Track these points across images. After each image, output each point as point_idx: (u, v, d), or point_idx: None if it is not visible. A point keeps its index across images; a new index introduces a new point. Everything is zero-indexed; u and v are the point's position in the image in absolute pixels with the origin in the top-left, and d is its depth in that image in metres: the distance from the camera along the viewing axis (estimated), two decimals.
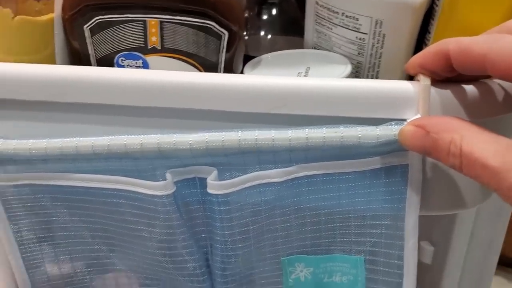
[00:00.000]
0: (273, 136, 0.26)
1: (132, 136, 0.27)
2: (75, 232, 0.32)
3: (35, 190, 0.30)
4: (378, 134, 0.25)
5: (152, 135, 0.27)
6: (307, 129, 0.26)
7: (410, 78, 0.27)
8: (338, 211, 0.29)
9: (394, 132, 0.25)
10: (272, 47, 0.33)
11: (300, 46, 0.33)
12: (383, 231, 0.29)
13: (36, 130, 0.29)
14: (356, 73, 0.30)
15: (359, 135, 0.25)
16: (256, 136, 0.26)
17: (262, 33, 0.35)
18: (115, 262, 0.33)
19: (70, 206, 0.31)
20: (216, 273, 0.32)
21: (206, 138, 0.27)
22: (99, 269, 0.34)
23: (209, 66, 0.28)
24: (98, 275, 0.35)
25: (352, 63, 0.30)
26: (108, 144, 0.27)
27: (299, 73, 0.30)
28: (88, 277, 0.34)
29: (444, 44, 0.23)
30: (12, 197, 0.31)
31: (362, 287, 0.31)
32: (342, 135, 0.26)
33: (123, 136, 0.27)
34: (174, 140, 0.27)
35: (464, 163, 0.22)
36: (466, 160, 0.22)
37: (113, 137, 0.27)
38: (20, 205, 0.31)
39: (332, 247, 0.31)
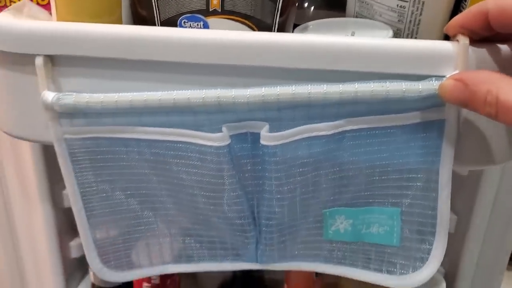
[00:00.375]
0: (325, 90, 0.29)
1: (195, 90, 0.30)
2: (134, 184, 0.35)
3: (100, 144, 0.33)
4: (420, 88, 0.28)
5: (213, 90, 0.30)
6: (356, 84, 0.29)
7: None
8: (379, 164, 0.32)
9: (435, 87, 0.28)
10: (314, 18, 0.35)
11: (342, 17, 0.36)
12: (419, 184, 0.32)
13: (104, 87, 0.32)
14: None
15: (404, 89, 0.28)
16: (309, 90, 0.29)
17: (306, 4, 0.37)
18: (169, 214, 0.36)
19: (131, 159, 0.34)
20: (262, 222, 0.34)
21: (263, 92, 0.29)
22: (152, 223, 0.37)
23: (264, 28, 0.31)
24: (149, 230, 0.37)
25: (392, 30, 0.32)
26: (174, 98, 0.30)
27: (346, 36, 0.32)
28: (141, 228, 0.37)
29: (484, 5, 0.26)
30: (78, 150, 0.33)
31: (397, 237, 0.34)
32: (388, 89, 0.28)
33: (187, 91, 0.30)
34: (233, 94, 0.29)
35: (500, 111, 0.25)
36: (501, 108, 0.25)
37: (178, 91, 0.30)
38: (86, 157, 0.34)
39: (370, 200, 0.33)
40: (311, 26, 0.34)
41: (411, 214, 0.33)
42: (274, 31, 0.31)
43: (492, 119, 0.26)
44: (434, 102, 0.29)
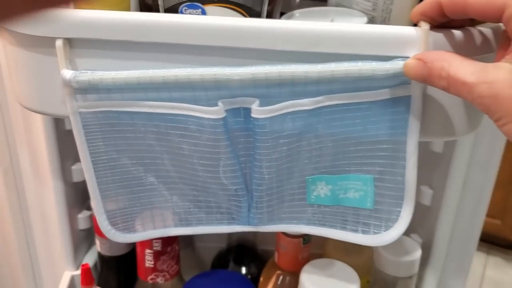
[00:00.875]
0: (306, 69, 0.33)
1: (194, 68, 0.35)
2: (139, 154, 0.40)
3: (110, 117, 0.38)
4: (388, 67, 0.33)
5: (210, 68, 0.34)
6: (333, 64, 0.33)
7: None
8: (353, 136, 0.37)
9: (400, 66, 0.33)
10: (300, 7, 0.40)
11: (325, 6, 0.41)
12: (389, 153, 0.37)
13: (115, 66, 0.36)
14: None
15: (373, 68, 0.33)
16: (292, 69, 0.33)
17: None
18: (171, 181, 0.41)
19: (137, 130, 0.38)
20: (253, 188, 0.39)
21: (253, 71, 0.34)
22: (156, 189, 0.42)
23: (254, 15, 0.35)
24: (152, 196, 0.42)
25: (367, 17, 0.37)
26: (175, 75, 0.35)
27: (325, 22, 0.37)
28: (143, 201, 0.42)
29: None
30: (91, 122, 0.38)
31: (371, 201, 0.38)
32: (360, 68, 0.33)
33: (187, 69, 0.35)
34: (227, 72, 0.34)
35: (450, 83, 0.29)
36: (452, 81, 0.29)
37: (179, 69, 0.35)
38: (97, 129, 0.38)
39: (347, 168, 0.38)
40: (296, 14, 0.39)
41: (383, 181, 0.38)
42: (263, 18, 0.36)
43: (446, 91, 0.30)
44: (401, 80, 0.34)
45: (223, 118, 0.36)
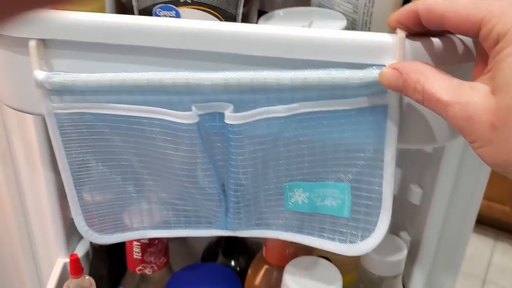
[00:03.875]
0: (278, 76, 0.32)
1: (167, 72, 0.34)
2: (116, 156, 0.39)
3: (85, 118, 0.37)
4: (362, 76, 0.32)
5: (182, 72, 0.34)
6: (305, 71, 0.32)
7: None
8: (330, 143, 0.36)
9: (375, 74, 0.31)
10: (284, 6, 0.39)
11: (308, 5, 0.39)
12: (366, 162, 0.36)
13: (91, 68, 0.36)
14: (352, 29, 0.36)
15: (347, 76, 0.32)
16: (264, 76, 0.33)
17: None
18: (148, 184, 0.41)
19: (112, 133, 0.38)
20: (230, 193, 0.39)
21: (225, 76, 0.33)
22: (131, 193, 0.42)
23: (228, 18, 0.34)
24: (130, 198, 0.42)
25: (348, 20, 0.36)
26: (147, 78, 0.34)
27: (303, 25, 0.36)
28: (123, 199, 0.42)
29: (415, 4, 0.29)
30: (66, 123, 0.38)
31: (348, 210, 0.38)
32: (333, 76, 0.32)
33: (159, 73, 0.34)
34: (199, 77, 0.33)
35: (425, 98, 0.28)
36: (426, 95, 0.28)
37: (151, 73, 0.34)
38: (73, 130, 0.38)
39: (324, 175, 0.37)
40: (280, 13, 0.38)
41: (360, 189, 0.37)
42: (238, 21, 0.35)
43: (420, 104, 0.29)
44: (377, 89, 0.32)
45: (197, 123, 0.35)
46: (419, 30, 0.31)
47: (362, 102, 0.33)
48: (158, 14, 0.35)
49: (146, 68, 0.35)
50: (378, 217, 0.37)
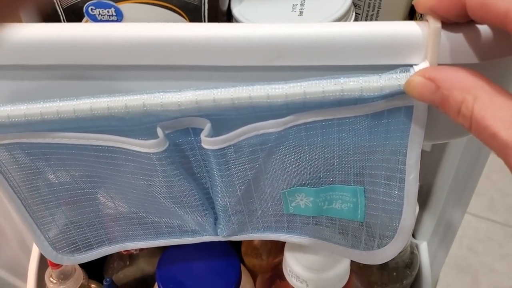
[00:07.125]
0: (268, 93, 0.24)
1: (115, 97, 0.25)
2: (70, 185, 0.32)
3: (23, 147, 0.29)
4: (381, 85, 0.23)
5: (138, 95, 0.25)
6: (304, 83, 0.24)
7: (411, 18, 0.24)
8: (338, 149, 0.28)
9: (400, 82, 0.23)
10: None
11: None
12: (382, 164, 0.29)
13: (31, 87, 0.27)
14: (354, 7, 0.27)
15: (361, 87, 0.23)
16: (249, 93, 0.24)
17: None
18: (121, 205, 0.33)
19: (60, 159, 0.30)
20: (218, 208, 0.32)
21: (196, 97, 0.24)
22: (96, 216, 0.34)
23: (190, 11, 0.24)
24: (99, 216, 0.35)
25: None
26: (90, 107, 0.25)
27: (293, 5, 0.26)
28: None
29: None
30: (2, 155, 0.29)
31: (362, 214, 0.31)
32: (342, 87, 0.23)
33: (105, 98, 0.25)
34: (161, 101, 0.25)
35: (474, 127, 0.21)
36: (476, 125, 0.20)
37: (95, 99, 0.25)
38: (12, 162, 0.30)
39: (331, 179, 0.31)
40: None
41: (376, 193, 0.30)
42: (204, 10, 0.25)
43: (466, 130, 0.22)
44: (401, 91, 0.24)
45: (166, 150, 0.27)
46: (458, 22, 0.22)
47: (380, 106, 0.25)
48: (92, 13, 0.25)
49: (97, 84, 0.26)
50: (398, 224, 0.31)
